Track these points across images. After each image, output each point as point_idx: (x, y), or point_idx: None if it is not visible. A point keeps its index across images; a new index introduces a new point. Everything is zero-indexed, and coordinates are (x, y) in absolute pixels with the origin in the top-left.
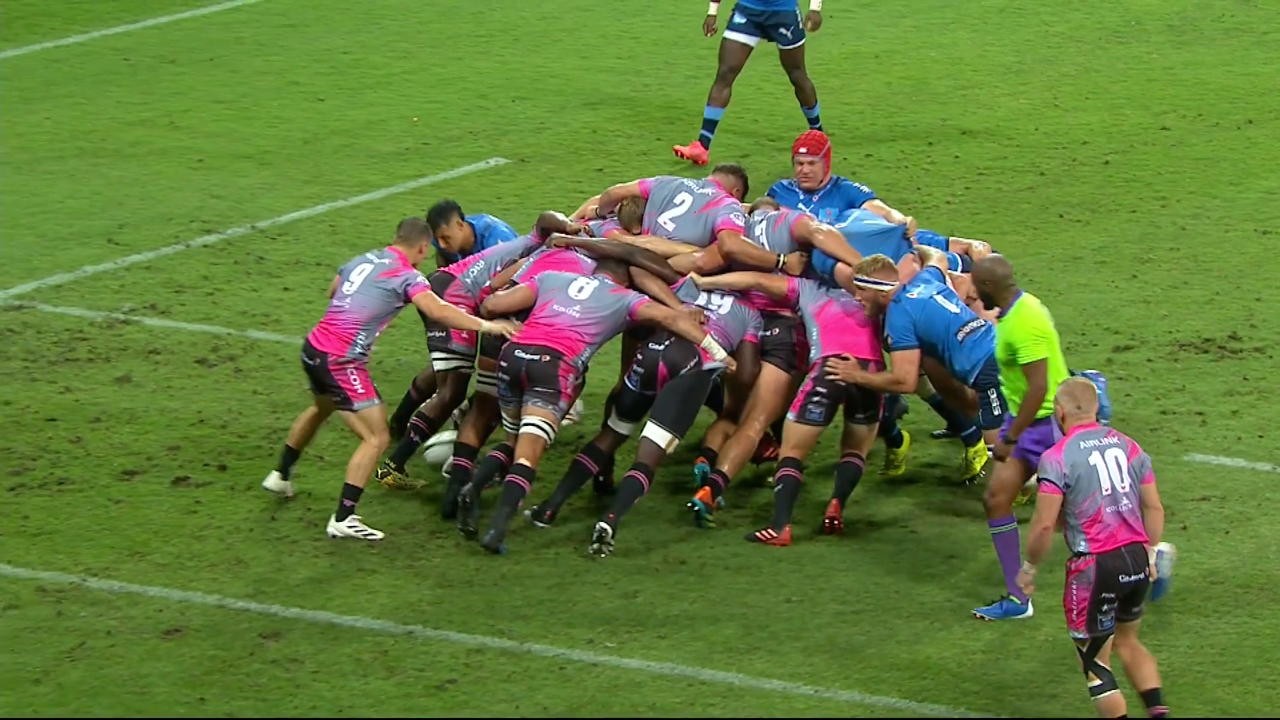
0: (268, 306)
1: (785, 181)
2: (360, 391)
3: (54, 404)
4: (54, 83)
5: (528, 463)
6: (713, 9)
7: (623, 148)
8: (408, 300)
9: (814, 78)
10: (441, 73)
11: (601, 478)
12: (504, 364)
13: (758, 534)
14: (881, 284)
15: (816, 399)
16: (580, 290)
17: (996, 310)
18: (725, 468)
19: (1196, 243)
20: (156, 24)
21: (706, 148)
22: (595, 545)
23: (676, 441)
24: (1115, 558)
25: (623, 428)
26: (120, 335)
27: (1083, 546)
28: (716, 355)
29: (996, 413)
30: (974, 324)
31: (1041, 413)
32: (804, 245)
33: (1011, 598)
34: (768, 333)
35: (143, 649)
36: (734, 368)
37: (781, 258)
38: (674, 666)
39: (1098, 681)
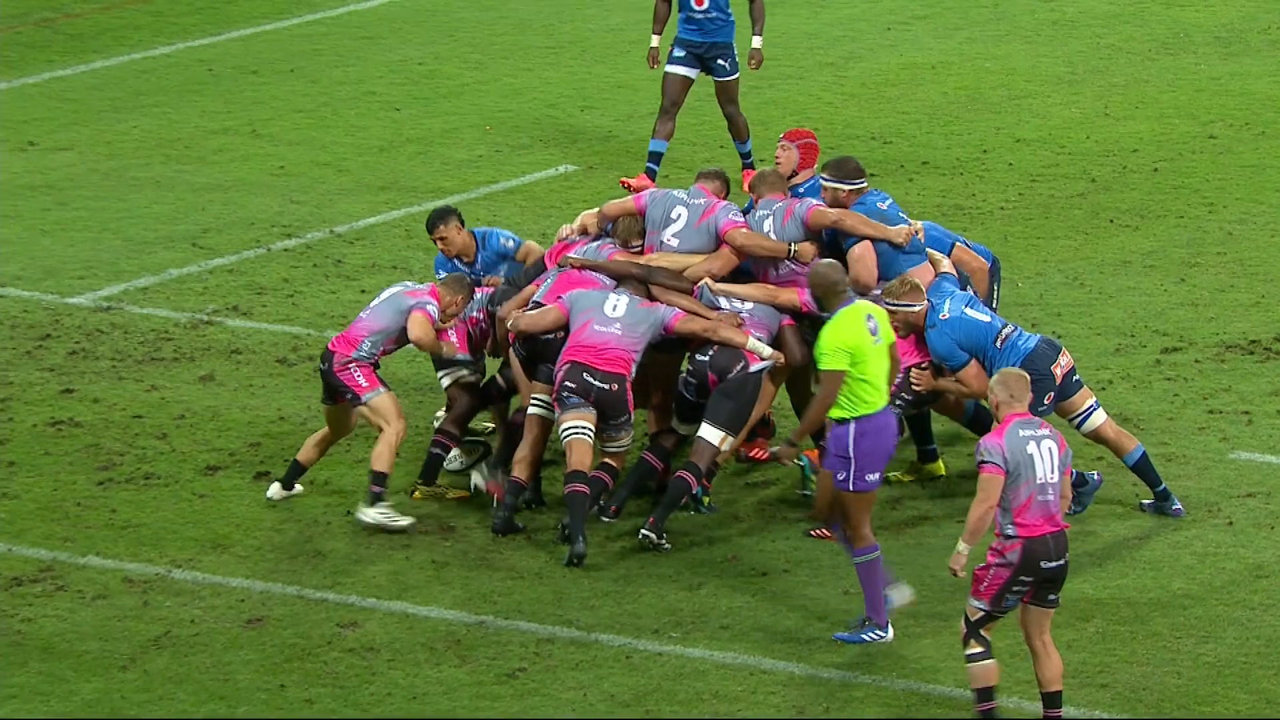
0: (345, 308)
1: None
2: (365, 385)
3: (140, 402)
4: (141, 93)
5: (614, 463)
6: (654, 41)
7: (686, 155)
8: None
9: (873, 88)
10: (513, 83)
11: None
12: (571, 384)
13: (812, 531)
14: (911, 305)
15: (899, 404)
16: (615, 308)
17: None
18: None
19: (1243, 247)
20: (239, 36)
21: (653, 180)
22: (649, 549)
23: (731, 440)
24: (1040, 543)
25: (683, 429)
26: (204, 336)
27: (1011, 530)
28: (763, 354)
29: None
30: (1007, 330)
31: (835, 413)
32: (817, 233)
33: (872, 621)
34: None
35: (225, 637)
36: (782, 360)
37: (792, 246)
38: (736, 656)
39: (978, 649)
